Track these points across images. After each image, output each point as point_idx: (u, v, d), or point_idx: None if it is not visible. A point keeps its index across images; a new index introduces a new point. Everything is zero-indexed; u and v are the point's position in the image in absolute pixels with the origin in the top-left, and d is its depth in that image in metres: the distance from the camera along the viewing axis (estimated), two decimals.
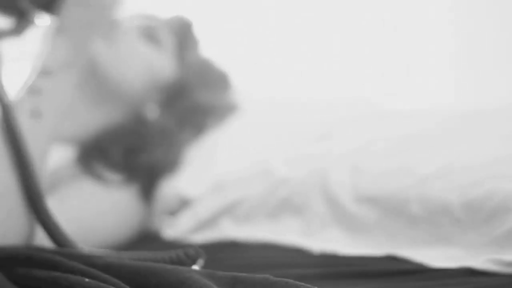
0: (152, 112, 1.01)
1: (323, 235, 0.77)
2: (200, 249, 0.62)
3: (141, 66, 0.99)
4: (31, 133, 0.77)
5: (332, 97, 1.18)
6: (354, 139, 0.91)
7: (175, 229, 0.88)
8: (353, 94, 1.30)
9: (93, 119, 0.97)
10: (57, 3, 0.83)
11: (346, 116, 1.01)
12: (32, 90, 0.79)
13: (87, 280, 0.45)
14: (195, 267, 0.60)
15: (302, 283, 0.49)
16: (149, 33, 1.02)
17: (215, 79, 1.09)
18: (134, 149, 0.94)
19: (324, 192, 0.80)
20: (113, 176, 0.91)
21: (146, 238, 0.91)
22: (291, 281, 0.49)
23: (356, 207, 0.77)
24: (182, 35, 1.07)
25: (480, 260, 0.64)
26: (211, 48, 1.15)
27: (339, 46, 1.65)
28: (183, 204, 0.90)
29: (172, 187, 0.93)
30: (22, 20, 0.85)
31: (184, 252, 0.60)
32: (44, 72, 0.80)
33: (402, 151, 0.83)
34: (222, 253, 0.73)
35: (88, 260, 0.50)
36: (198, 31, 1.12)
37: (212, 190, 0.89)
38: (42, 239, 0.72)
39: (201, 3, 1.60)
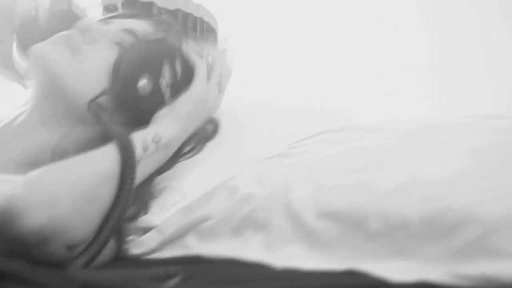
0: None
1: (286, 250, 0.78)
2: (179, 268, 0.67)
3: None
4: None
5: (302, 107, 1.18)
6: (317, 154, 0.92)
7: (141, 248, 0.88)
8: (328, 105, 1.30)
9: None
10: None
11: (312, 129, 1.02)
12: (143, 145, 0.90)
13: None
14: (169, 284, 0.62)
15: None
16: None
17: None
18: None
19: (286, 208, 0.81)
20: None
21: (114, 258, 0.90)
22: None
23: (318, 223, 0.77)
24: None
25: (438, 273, 0.65)
26: None
27: (338, 46, 1.66)
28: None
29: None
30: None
31: (164, 271, 0.63)
32: (155, 140, 0.92)
33: (364, 166, 0.84)
34: (187, 269, 0.74)
35: (69, 277, 0.52)
36: None
37: (177, 210, 0.90)
38: None
39: None
